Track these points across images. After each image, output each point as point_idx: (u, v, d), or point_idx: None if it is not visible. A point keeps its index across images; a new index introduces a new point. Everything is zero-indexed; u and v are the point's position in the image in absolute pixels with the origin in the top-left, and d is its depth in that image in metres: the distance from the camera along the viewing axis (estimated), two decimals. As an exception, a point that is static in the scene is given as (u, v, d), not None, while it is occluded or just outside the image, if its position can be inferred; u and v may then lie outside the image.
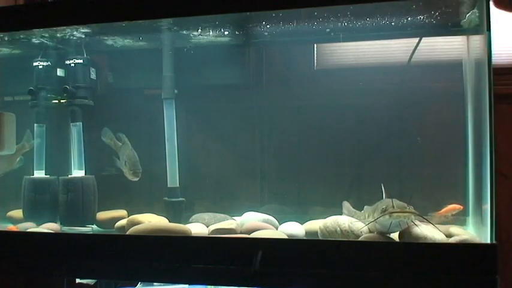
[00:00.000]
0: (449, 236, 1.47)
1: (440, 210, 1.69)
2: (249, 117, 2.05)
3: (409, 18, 1.66)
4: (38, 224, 1.80)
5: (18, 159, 1.96)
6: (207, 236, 1.65)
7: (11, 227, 1.81)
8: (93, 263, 1.51)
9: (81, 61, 1.86)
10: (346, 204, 1.73)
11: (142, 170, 1.83)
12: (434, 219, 1.64)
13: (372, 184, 1.79)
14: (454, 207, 1.69)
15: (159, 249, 1.47)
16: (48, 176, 1.93)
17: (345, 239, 1.48)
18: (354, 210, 1.70)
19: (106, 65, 2.06)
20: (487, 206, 1.34)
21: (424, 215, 1.44)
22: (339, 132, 1.98)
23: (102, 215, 1.88)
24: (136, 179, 1.83)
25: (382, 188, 1.54)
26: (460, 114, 1.76)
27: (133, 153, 1.84)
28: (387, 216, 1.36)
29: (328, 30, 1.75)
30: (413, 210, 1.37)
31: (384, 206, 1.39)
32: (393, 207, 1.36)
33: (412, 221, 1.39)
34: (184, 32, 1.78)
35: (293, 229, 1.64)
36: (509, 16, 1.88)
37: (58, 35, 1.80)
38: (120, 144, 1.87)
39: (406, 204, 1.38)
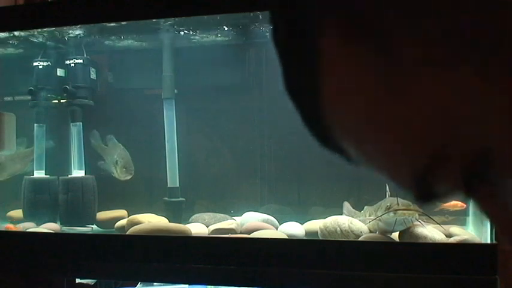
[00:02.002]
0: (449, 236, 1.47)
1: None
2: (249, 117, 2.05)
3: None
4: (38, 224, 1.80)
5: (27, 165, 1.96)
6: (207, 236, 1.65)
7: (8, 226, 1.81)
8: (93, 263, 1.51)
9: (81, 61, 1.86)
10: (346, 205, 1.73)
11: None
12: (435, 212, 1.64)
13: (372, 184, 1.78)
14: (456, 203, 1.69)
15: (159, 249, 1.47)
16: (48, 176, 1.92)
17: (345, 239, 1.48)
18: (354, 210, 1.69)
19: (106, 64, 2.06)
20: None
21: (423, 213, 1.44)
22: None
23: (102, 215, 1.87)
24: (129, 177, 1.83)
25: (387, 187, 1.54)
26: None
27: (126, 152, 1.84)
28: (392, 214, 1.36)
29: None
30: (418, 208, 1.37)
31: (388, 204, 1.39)
32: (398, 205, 1.36)
33: (417, 219, 1.39)
34: (185, 31, 1.78)
35: (293, 229, 1.64)
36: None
37: (58, 34, 1.80)
38: (105, 147, 1.87)
39: (410, 203, 1.38)
